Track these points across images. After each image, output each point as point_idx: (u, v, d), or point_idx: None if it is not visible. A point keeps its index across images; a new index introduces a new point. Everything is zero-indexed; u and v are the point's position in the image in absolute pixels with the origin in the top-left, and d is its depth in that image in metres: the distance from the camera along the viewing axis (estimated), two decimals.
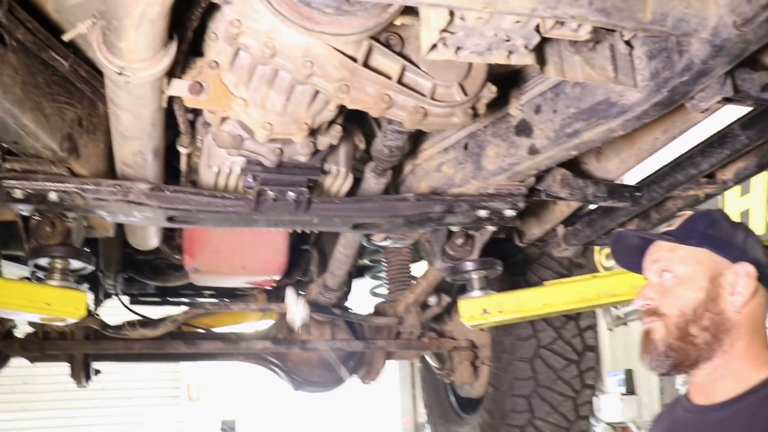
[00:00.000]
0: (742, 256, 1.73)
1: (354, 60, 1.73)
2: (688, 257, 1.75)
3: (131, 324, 3.42)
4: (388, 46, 1.78)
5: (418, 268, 3.72)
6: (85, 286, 2.87)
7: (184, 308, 3.54)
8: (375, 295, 4.43)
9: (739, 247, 1.75)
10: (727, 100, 1.73)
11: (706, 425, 1.72)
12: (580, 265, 3.62)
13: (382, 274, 3.88)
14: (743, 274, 1.70)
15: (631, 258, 1.90)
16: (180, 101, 1.93)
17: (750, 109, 2.00)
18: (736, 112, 2.03)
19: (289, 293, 2.67)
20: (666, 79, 1.67)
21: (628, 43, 1.77)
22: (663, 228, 1.90)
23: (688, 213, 1.87)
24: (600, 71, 1.76)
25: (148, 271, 3.91)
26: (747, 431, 1.61)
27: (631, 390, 9.15)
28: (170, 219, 2.18)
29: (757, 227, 6.07)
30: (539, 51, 1.72)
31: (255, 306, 3.61)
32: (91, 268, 2.42)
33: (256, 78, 1.82)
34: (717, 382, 1.72)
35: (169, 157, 2.26)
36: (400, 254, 3.71)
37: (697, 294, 1.71)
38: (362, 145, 2.31)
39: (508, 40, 1.59)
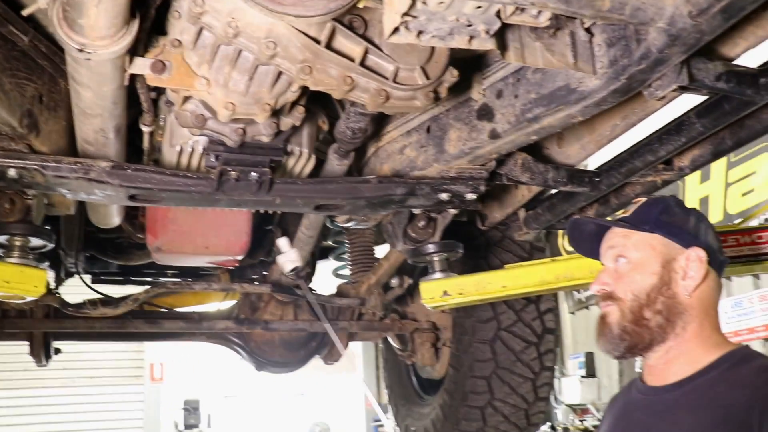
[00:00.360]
0: (694, 242, 1.78)
1: (317, 42, 1.73)
2: (642, 242, 1.79)
3: (92, 303, 3.40)
4: (351, 28, 1.78)
5: (382, 250, 3.74)
6: (46, 264, 2.85)
7: (147, 287, 3.52)
8: (338, 276, 4.44)
9: (692, 233, 1.80)
10: (682, 89, 1.77)
11: (657, 405, 1.77)
12: (541, 249, 3.67)
13: (346, 256, 3.90)
14: (695, 258, 1.75)
15: (589, 244, 1.94)
16: (142, 79, 1.92)
17: (706, 97, 2.04)
18: (692, 100, 2.07)
19: (282, 240, 2.66)
20: (624, 66, 1.70)
21: (588, 30, 1.79)
22: (618, 215, 1.95)
23: (643, 199, 1.91)
24: (560, 58, 1.78)
25: (110, 249, 3.87)
26: (695, 411, 1.65)
27: (591, 373, 9.30)
28: (132, 197, 2.17)
29: (715, 213, 6.18)
30: (500, 36, 1.74)
31: (217, 286, 3.60)
32: (51, 246, 2.41)
33: (219, 58, 1.82)
34: (669, 364, 1.76)
35: (132, 136, 2.25)
36: (363, 236, 3.72)
37: (650, 278, 1.76)
38: (325, 127, 2.31)
39: (469, 25, 1.61)
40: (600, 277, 1.84)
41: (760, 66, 1.85)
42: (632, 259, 1.79)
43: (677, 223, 1.81)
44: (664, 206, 1.84)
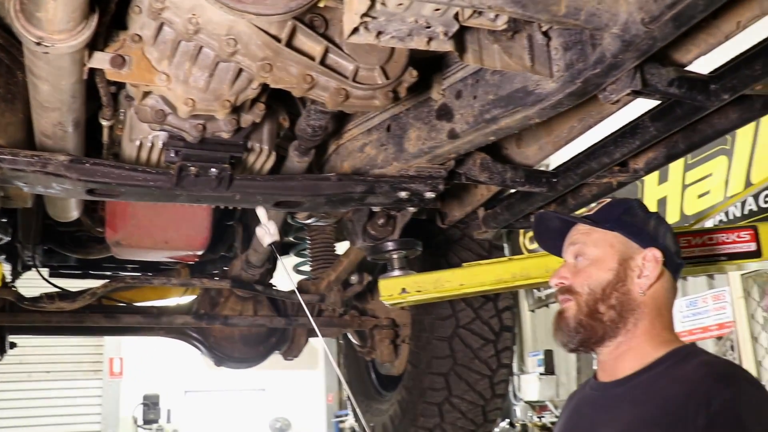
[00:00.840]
0: (652, 242, 1.83)
1: (278, 40, 1.75)
2: (602, 240, 1.85)
3: (49, 296, 3.36)
4: (311, 27, 1.80)
5: (343, 247, 3.76)
6: (2, 257, 2.82)
7: (105, 281, 3.50)
8: (298, 272, 4.44)
9: (650, 234, 1.85)
10: (636, 93, 1.80)
11: (603, 400, 1.82)
12: (500, 248, 3.71)
13: (306, 252, 3.91)
14: (651, 258, 1.81)
15: (553, 241, 2.00)
16: (102, 74, 1.91)
17: (659, 102, 2.09)
18: (647, 104, 2.12)
19: (260, 210, 2.64)
20: (580, 70, 1.73)
21: (545, 34, 1.82)
22: (583, 212, 2.00)
23: (608, 199, 1.97)
24: (517, 60, 1.81)
25: (69, 243, 3.84)
26: (637, 405, 1.71)
27: (550, 370, 9.39)
28: (90, 192, 2.15)
29: (672, 214, 6.28)
30: (459, 38, 1.76)
31: (177, 281, 3.59)
32: (7, 239, 2.39)
33: (179, 54, 1.83)
34: (618, 360, 1.82)
35: (92, 130, 2.24)
36: (324, 233, 3.74)
37: (606, 274, 1.82)
38: (286, 124, 2.32)
39: (428, 27, 1.63)
40: (559, 271, 1.90)
41: (711, 72, 1.89)
42: (591, 255, 1.85)
43: (638, 223, 1.86)
44: (627, 207, 1.90)
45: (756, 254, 2.44)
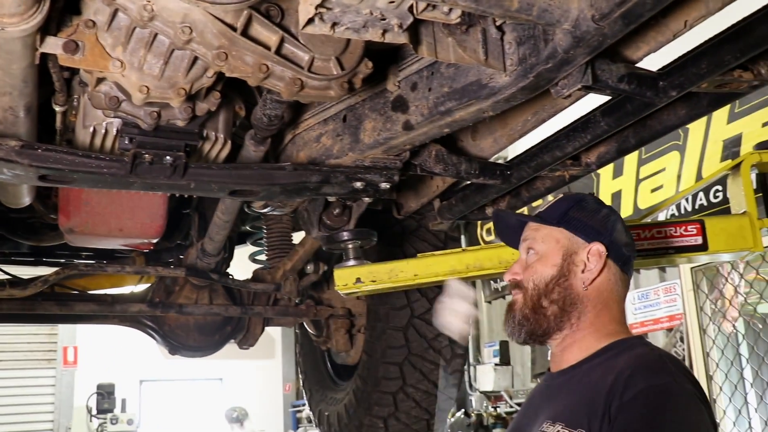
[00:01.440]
0: (597, 237, 1.88)
1: (233, 29, 1.75)
2: (548, 236, 1.91)
3: (0, 283, 3.33)
4: (267, 17, 1.80)
5: (299, 237, 3.76)
6: None
7: (57, 269, 3.46)
8: (255, 261, 4.44)
9: (596, 229, 1.89)
10: (587, 89, 1.83)
11: (550, 390, 1.88)
12: (455, 239, 3.74)
13: (263, 241, 3.90)
14: (594, 253, 1.86)
15: (513, 236, 2.05)
16: (54, 59, 1.90)
17: (610, 97, 2.12)
18: (600, 99, 2.15)
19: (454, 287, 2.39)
20: (532, 65, 1.76)
21: (499, 28, 1.84)
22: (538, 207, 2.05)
23: (561, 195, 2.02)
24: (471, 54, 1.83)
25: (21, 230, 3.79)
26: (571, 394, 1.76)
27: (505, 361, 9.47)
28: (42, 178, 2.13)
29: (627, 208, 6.38)
30: (414, 31, 1.77)
31: (131, 268, 3.57)
32: None
33: (134, 40, 1.82)
34: (565, 352, 1.87)
35: (46, 116, 2.22)
36: (280, 222, 3.74)
37: (550, 270, 1.87)
38: (242, 113, 2.32)
39: (383, 19, 1.64)
40: (512, 267, 1.97)
41: (660, 70, 1.93)
42: (538, 250, 1.91)
43: (584, 218, 1.91)
44: (576, 202, 1.94)
45: (702, 248, 2.50)
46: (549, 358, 1.97)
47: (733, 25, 1.82)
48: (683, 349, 5.71)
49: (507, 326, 1.94)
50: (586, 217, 1.91)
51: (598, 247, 1.86)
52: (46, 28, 1.75)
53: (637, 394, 1.62)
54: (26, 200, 2.85)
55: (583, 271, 1.86)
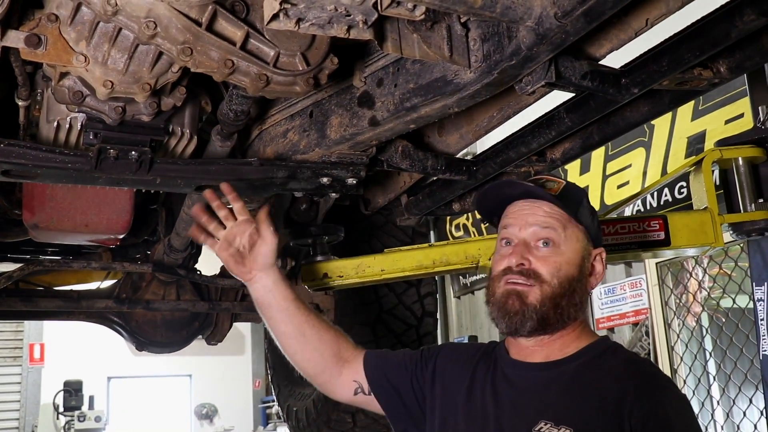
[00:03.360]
0: (600, 242, 1.88)
1: (198, 24, 1.74)
2: (573, 235, 1.80)
3: None
4: (233, 12, 1.80)
5: None
6: None
7: (22, 265, 3.42)
8: None
9: (597, 232, 1.89)
10: (550, 85, 1.85)
11: (527, 381, 1.80)
12: (423, 234, 3.76)
13: None
14: (599, 259, 1.85)
15: (496, 205, 1.90)
16: (16, 53, 1.88)
17: (574, 94, 2.15)
18: (564, 96, 2.18)
19: None
20: (496, 61, 1.77)
21: (464, 25, 1.85)
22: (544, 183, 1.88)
23: (561, 180, 1.89)
24: (436, 50, 1.84)
25: None
26: (571, 394, 1.72)
27: None
28: (5, 173, 2.11)
29: (594, 203, 6.42)
30: (379, 27, 1.78)
31: (97, 264, 3.54)
32: None
33: (97, 35, 1.81)
34: (546, 346, 1.81)
35: (9, 110, 2.20)
36: None
37: (573, 270, 1.79)
38: (209, 108, 2.32)
39: (348, 15, 1.64)
40: (518, 250, 1.79)
41: (622, 67, 1.96)
42: (563, 246, 1.78)
43: (592, 221, 1.86)
44: (584, 194, 1.90)
45: (665, 243, 2.53)
46: (509, 345, 1.88)
47: (693, 24, 1.85)
48: (648, 343, 5.79)
49: (515, 318, 1.76)
50: (592, 219, 1.87)
51: (602, 254, 1.85)
52: (8, 22, 1.74)
53: (656, 404, 1.63)
54: None
55: (590, 274, 1.83)
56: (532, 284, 1.76)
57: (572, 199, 1.83)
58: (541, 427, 1.68)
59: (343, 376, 2.07)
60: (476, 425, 1.82)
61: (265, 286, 2.10)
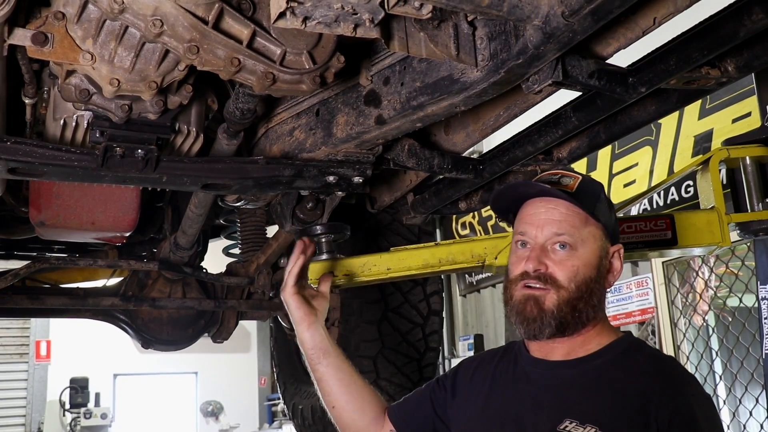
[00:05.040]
0: (617, 238, 1.87)
1: (204, 22, 1.74)
2: (590, 235, 1.78)
3: None
4: (239, 10, 1.80)
5: (273, 230, 3.76)
6: None
7: (28, 262, 3.43)
8: (228, 254, 4.42)
9: (615, 229, 1.88)
10: (557, 84, 1.84)
11: (550, 380, 1.79)
12: (429, 233, 3.75)
13: (237, 235, 3.89)
14: (617, 257, 1.84)
15: (512, 204, 1.90)
16: (23, 51, 1.89)
17: (581, 93, 2.14)
18: (571, 95, 2.17)
19: None
20: (503, 60, 1.77)
21: (471, 23, 1.85)
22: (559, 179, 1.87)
23: (577, 175, 1.87)
24: (443, 49, 1.83)
25: None
26: (592, 391, 1.72)
27: None
28: (12, 170, 2.11)
29: None
30: (386, 26, 1.78)
31: (103, 262, 3.54)
32: None
33: (104, 33, 1.81)
34: (564, 344, 1.80)
35: (15, 108, 2.20)
36: (254, 215, 3.73)
37: (592, 272, 1.77)
38: (215, 107, 2.32)
39: (354, 14, 1.64)
40: (535, 254, 1.77)
41: (629, 66, 1.95)
42: (580, 252, 1.77)
43: (610, 217, 1.84)
44: (602, 189, 1.87)
45: (672, 242, 2.52)
46: (529, 344, 1.86)
47: (701, 23, 1.84)
48: (655, 342, 5.77)
49: (533, 325, 1.75)
50: (610, 214, 1.84)
51: (620, 251, 1.83)
52: (15, 20, 1.74)
53: (683, 403, 1.63)
54: None
55: (608, 272, 1.82)
56: (549, 289, 1.75)
57: (589, 195, 1.81)
58: (566, 426, 1.67)
59: None
60: (495, 425, 1.82)
61: (322, 333, 2.18)
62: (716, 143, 5.13)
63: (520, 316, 1.78)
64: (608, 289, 1.85)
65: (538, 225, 1.79)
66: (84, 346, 12.56)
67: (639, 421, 1.62)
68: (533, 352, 1.86)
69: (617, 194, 6.26)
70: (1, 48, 1.79)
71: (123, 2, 1.66)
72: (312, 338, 2.16)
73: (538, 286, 1.76)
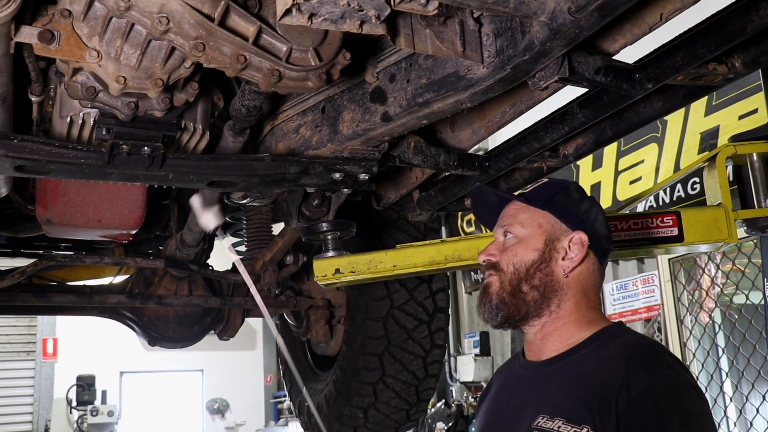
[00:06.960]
0: (581, 225, 1.87)
1: (210, 19, 1.74)
2: (530, 219, 1.88)
3: None
4: (245, 7, 1.80)
5: (279, 228, 3.76)
6: None
7: (35, 260, 3.44)
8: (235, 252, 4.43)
9: (581, 217, 1.88)
10: (564, 80, 1.83)
11: (532, 380, 1.85)
12: (435, 230, 3.75)
13: (243, 232, 3.90)
14: (577, 241, 1.85)
15: (489, 215, 2.02)
16: (30, 49, 1.89)
17: (587, 90, 2.14)
18: (577, 91, 2.17)
19: (195, 200, 2.61)
20: (509, 57, 1.76)
21: (477, 20, 1.84)
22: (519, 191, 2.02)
23: (545, 179, 1.99)
24: (449, 45, 1.83)
25: None
26: (566, 387, 1.73)
27: (485, 351, 9.52)
28: (18, 168, 2.11)
29: (605, 199, 6.42)
30: (392, 23, 1.78)
31: (109, 259, 3.55)
32: None
33: (110, 30, 1.81)
34: (544, 340, 1.85)
35: (22, 105, 2.21)
36: (260, 213, 3.73)
37: (531, 254, 1.85)
38: (221, 104, 2.32)
39: (360, 10, 1.64)
40: (488, 248, 1.92)
41: (636, 62, 1.94)
42: (518, 234, 1.88)
43: (569, 205, 1.89)
44: (562, 188, 1.92)
45: (678, 239, 2.52)
46: (524, 345, 1.94)
47: (708, 19, 1.83)
48: (661, 339, 5.77)
49: (482, 309, 1.90)
50: (572, 204, 1.89)
51: (581, 236, 1.85)
52: (21, 17, 1.74)
53: (644, 390, 1.61)
54: (2, 191, 2.83)
55: (563, 258, 1.84)
56: (493, 275, 1.89)
57: (541, 194, 1.91)
58: (539, 422, 1.71)
59: None
60: (493, 430, 1.91)
61: None
62: (722, 140, 5.11)
63: (478, 304, 1.93)
64: (564, 275, 1.85)
65: (497, 225, 1.96)
66: (90, 344, 12.58)
67: (604, 410, 1.62)
68: (528, 356, 1.92)
69: (623, 191, 6.25)
70: (7, 46, 1.79)
71: (129, 0, 1.66)
72: None
73: (488, 273, 1.91)
